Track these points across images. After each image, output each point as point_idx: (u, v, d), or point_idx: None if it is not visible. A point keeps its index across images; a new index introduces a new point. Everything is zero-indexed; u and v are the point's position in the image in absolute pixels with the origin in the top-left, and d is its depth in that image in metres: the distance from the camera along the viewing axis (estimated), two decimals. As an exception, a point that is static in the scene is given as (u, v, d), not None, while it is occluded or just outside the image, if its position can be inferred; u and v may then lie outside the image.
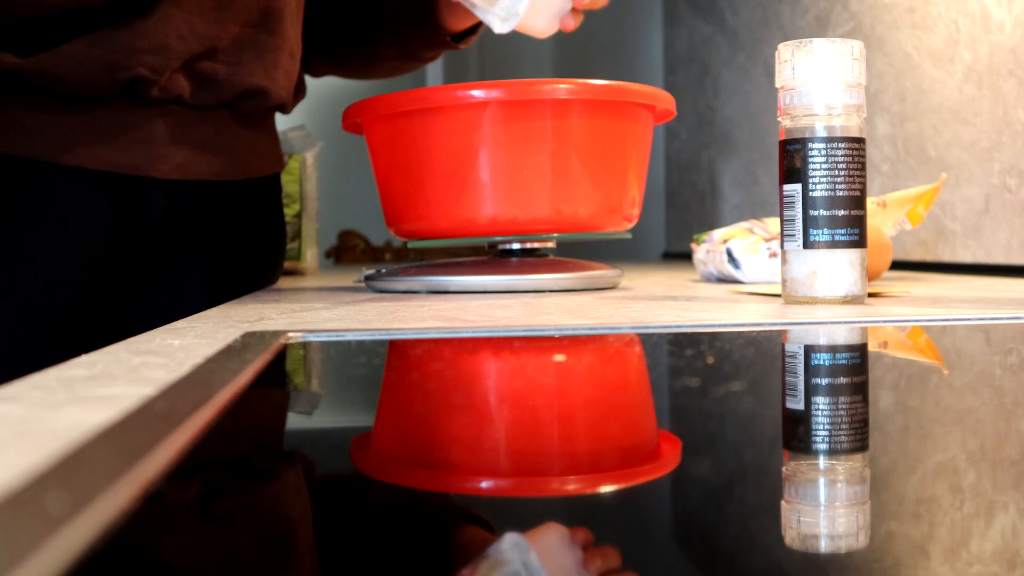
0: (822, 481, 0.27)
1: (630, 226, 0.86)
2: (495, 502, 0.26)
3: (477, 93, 0.78)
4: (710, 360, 0.44)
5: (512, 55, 2.79)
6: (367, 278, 0.87)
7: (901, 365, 0.46)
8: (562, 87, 0.78)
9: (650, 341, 0.51)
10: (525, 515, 0.25)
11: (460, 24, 0.99)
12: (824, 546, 0.22)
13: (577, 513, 0.25)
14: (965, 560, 0.20)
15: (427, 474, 0.29)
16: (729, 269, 0.96)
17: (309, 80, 1.03)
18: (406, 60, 1.05)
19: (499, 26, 0.84)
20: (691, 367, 0.42)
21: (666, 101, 0.84)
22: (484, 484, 0.28)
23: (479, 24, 1.01)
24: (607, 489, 0.27)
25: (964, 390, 0.39)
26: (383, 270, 0.86)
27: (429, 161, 0.80)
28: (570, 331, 0.52)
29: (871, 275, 0.92)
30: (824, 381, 0.41)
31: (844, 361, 0.48)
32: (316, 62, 1.08)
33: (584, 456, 0.31)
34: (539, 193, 0.79)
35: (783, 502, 0.24)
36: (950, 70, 1.18)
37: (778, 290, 0.74)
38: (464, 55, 2.74)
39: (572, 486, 0.27)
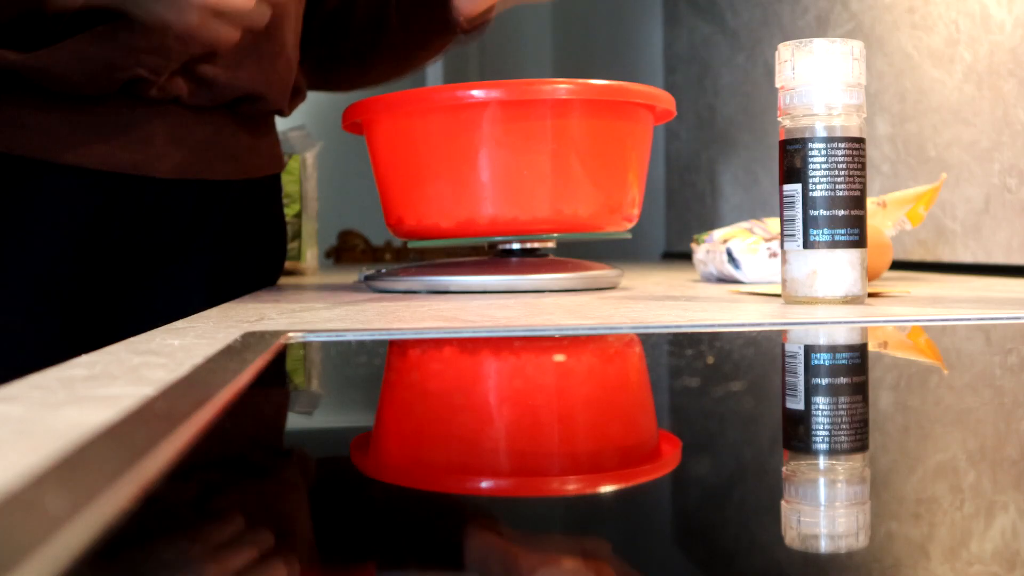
0: (822, 481, 0.27)
1: (630, 226, 0.86)
2: (495, 502, 0.26)
3: (477, 93, 0.78)
4: (710, 360, 0.44)
5: (513, 55, 2.79)
6: (367, 278, 0.87)
7: (901, 365, 0.46)
8: (562, 87, 0.78)
9: (650, 341, 0.51)
10: (525, 516, 0.25)
11: (474, 8, 0.98)
12: (824, 546, 0.22)
13: (577, 513, 0.25)
14: (965, 560, 0.20)
15: (427, 474, 0.29)
16: (729, 269, 0.96)
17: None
18: (410, 50, 1.03)
19: None
20: (691, 367, 0.42)
21: (666, 101, 0.84)
22: (484, 484, 0.28)
23: (490, 11, 0.99)
24: (607, 489, 0.27)
25: (964, 390, 0.39)
26: (383, 270, 0.86)
27: (429, 161, 0.80)
28: (570, 331, 0.52)
29: (871, 275, 0.92)
30: (824, 381, 0.41)
31: (844, 361, 0.48)
32: (307, 66, 1.03)
33: (584, 456, 0.31)
34: (539, 193, 0.79)
35: (783, 502, 0.24)
36: (950, 70, 1.18)
37: (778, 290, 0.74)
38: (464, 55, 2.74)
39: (572, 486, 0.27)
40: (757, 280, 0.94)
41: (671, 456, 0.30)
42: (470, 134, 0.79)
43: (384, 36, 1.02)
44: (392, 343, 0.50)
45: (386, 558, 0.21)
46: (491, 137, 0.78)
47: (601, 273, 0.84)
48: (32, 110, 0.80)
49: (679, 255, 2.04)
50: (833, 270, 0.64)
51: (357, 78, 1.08)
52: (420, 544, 0.22)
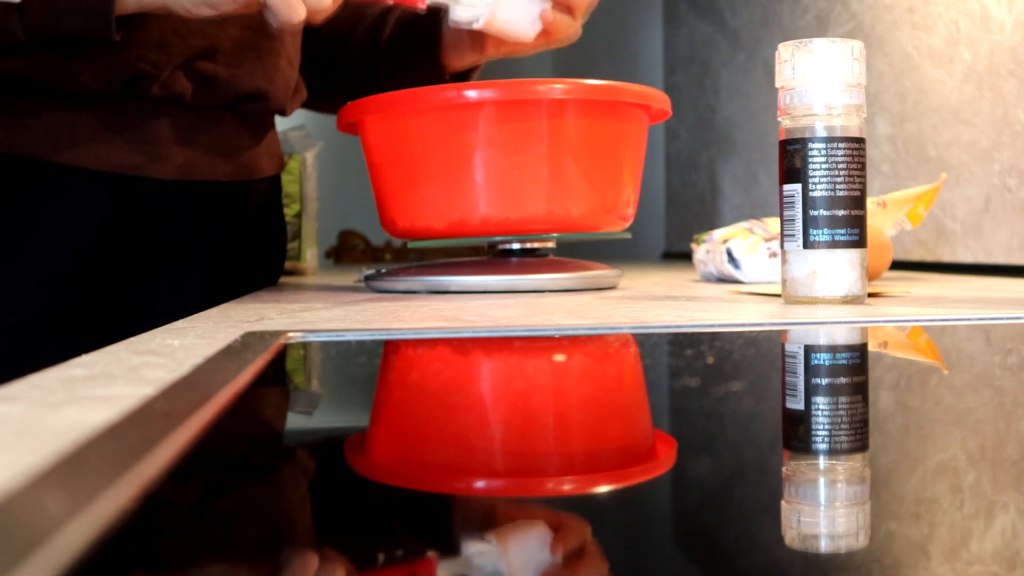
0: (822, 481, 0.27)
1: (626, 225, 0.86)
2: (493, 502, 0.26)
3: (470, 93, 0.77)
4: (710, 360, 0.44)
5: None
6: (367, 278, 0.87)
7: (901, 365, 0.46)
8: (557, 87, 0.78)
9: (650, 341, 0.51)
10: (523, 516, 0.25)
11: (461, 65, 0.98)
12: (824, 546, 0.22)
13: (575, 514, 0.25)
14: (965, 560, 0.20)
15: (424, 474, 0.29)
16: (729, 269, 0.96)
17: (309, 80, 1.02)
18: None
19: (462, 13, 0.82)
20: (691, 367, 0.42)
21: (661, 101, 0.84)
22: (481, 484, 0.28)
23: (479, 63, 0.99)
24: (607, 489, 0.27)
25: (964, 390, 0.39)
26: (383, 270, 0.86)
27: (423, 161, 0.80)
28: (570, 331, 0.52)
29: (871, 275, 0.92)
30: (824, 381, 0.41)
31: (844, 361, 0.48)
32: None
33: (584, 456, 0.31)
34: (532, 193, 0.79)
35: (783, 502, 0.24)
36: (950, 70, 1.18)
37: (778, 290, 0.74)
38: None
39: (570, 487, 0.27)
40: (757, 280, 0.94)
41: (671, 456, 0.30)
42: (463, 134, 0.79)
43: (373, 80, 1.01)
44: (392, 343, 0.50)
45: (383, 557, 0.21)
46: (484, 137, 0.78)
47: (601, 273, 0.84)
48: (34, 110, 0.80)
49: (679, 255, 2.04)
50: (833, 270, 0.64)
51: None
52: (418, 543, 0.22)
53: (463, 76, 1.00)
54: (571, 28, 0.87)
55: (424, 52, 0.97)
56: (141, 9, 0.74)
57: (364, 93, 1.02)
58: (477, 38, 0.93)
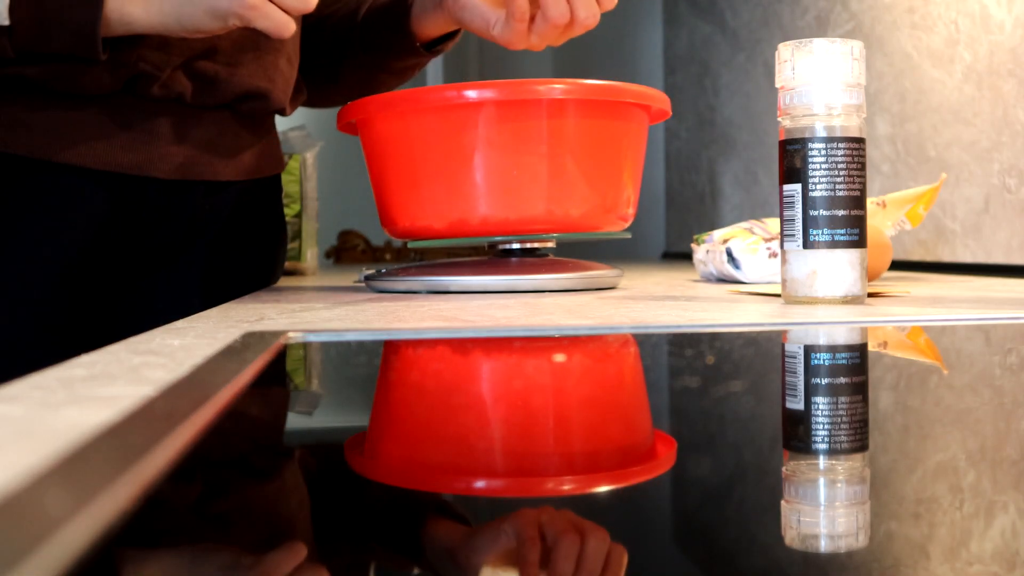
0: (822, 481, 0.27)
1: (625, 226, 0.86)
2: (493, 503, 0.26)
3: (471, 93, 0.77)
4: (710, 360, 0.44)
5: (512, 55, 2.79)
6: (367, 278, 0.87)
7: (901, 365, 0.46)
8: (556, 87, 0.78)
9: (650, 341, 0.51)
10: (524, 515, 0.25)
11: (432, 31, 0.97)
12: (824, 546, 0.22)
13: (575, 514, 0.25)
14: (965, 560, 0.20)
15: (424, 474, 0.29)
16: (729, 269, 0.96)
17: (309, 80, 1.02)
18: (373, 71, 1.02)
19: None
20: (691, 367, 0.42)
21: (661, 101, 0.84)
22: (481, 484, 0.28)
23: (454, 33, 0.99)
24: (606, 489, 0.27)
25: (964, 390, 0.39)
26: (383, 270, 0.86)
27: (423, 161, 0.80)
28: (570, 331, 0.52)
29: (871, 275, 0.92)
30: (824, 381, 0.41)
31: (844, 361, 0.48)
32: None
33: (585, 456, 0.31)
34: (532, 193, 0.79)
35: (783, 502, 0.24)
36: (950, 70, 1.18)
37: (778, 290, 0.74)
38: (465, 55, 2.74)
39: (570, 486, 0.27)
40: (757, 280, 0.94)
41: (671, 456, 0.30)
42: (463, 134, 0.79)
43: (349, 56, 1.01)
44: (392, 343, 0.50)
45: (382, 557, 0.21)
46: (484, 137, 0.78)
47: (601, 273, 0.84)
48: (33, 109, 0.80)
49: (679, 255, 2.04)
50: (833, 270, 0.64)
51: (333, 94, 1.08)
52: (415, 544, 0.22)
53: (434, 46, 0.99)
54: (522, 31, 0.85)
55: (393, 21, 0.96)
56: (130, 32, 0.74)
57: (341, 68, 1.02)
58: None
